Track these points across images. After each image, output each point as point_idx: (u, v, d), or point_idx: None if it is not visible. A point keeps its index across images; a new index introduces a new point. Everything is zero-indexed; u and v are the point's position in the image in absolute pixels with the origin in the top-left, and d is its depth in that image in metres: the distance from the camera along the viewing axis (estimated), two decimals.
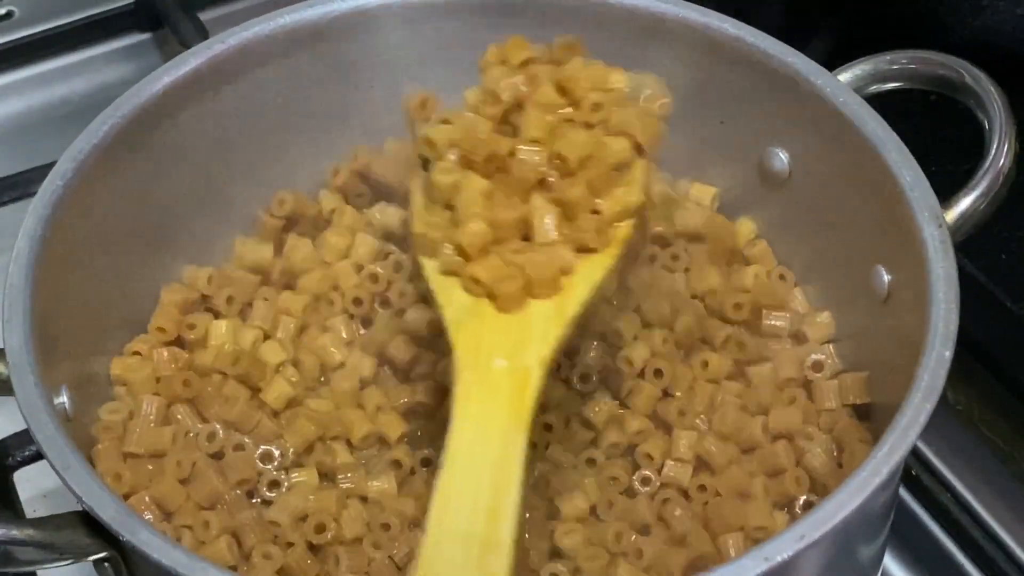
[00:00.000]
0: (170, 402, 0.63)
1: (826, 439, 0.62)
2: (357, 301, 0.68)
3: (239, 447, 0.62)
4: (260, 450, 0.62)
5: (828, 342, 0.65)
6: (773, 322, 0.66)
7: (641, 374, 0.64)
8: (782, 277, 0.68)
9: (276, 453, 0.62)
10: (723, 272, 0.67)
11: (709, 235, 0.68)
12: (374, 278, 0.68)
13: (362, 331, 0.68)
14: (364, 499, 0.61)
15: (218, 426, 0.62)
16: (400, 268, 0.68)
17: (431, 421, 0.63)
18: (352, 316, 0.68)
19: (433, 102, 0.61)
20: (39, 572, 0.63)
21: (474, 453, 0.50)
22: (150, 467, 0.61)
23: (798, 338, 0.66)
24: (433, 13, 0.69)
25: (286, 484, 0.61)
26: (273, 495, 0.61)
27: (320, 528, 0.59)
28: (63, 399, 0.58)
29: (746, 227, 0.69)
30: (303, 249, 0.69)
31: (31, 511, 0.70)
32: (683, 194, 0.70)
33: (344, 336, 0.67)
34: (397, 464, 0.62)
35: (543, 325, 0.54)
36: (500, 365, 0.52)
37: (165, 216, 0.67)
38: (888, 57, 0.65)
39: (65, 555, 0.53)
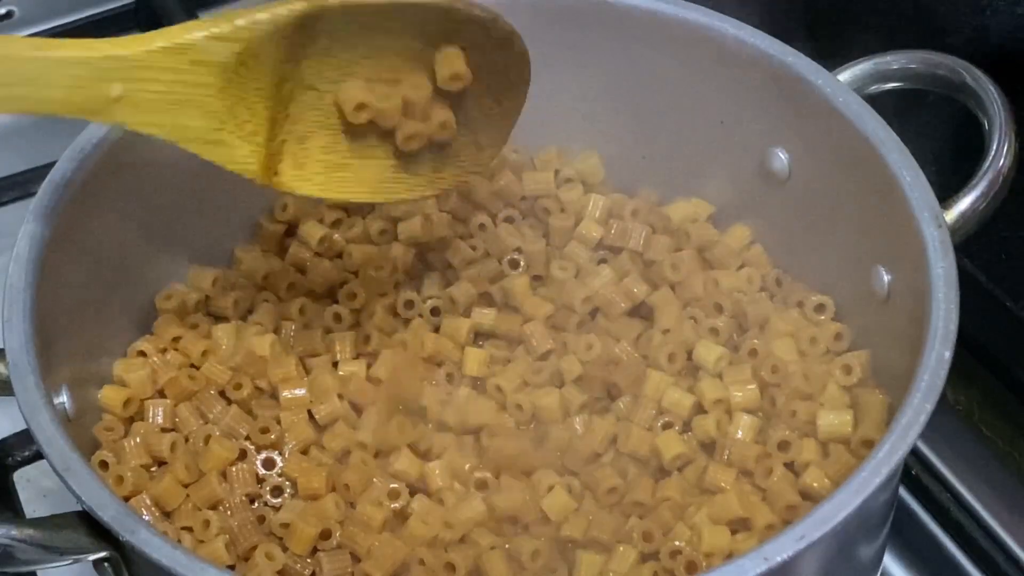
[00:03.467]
0: (176, 401, 0.64)
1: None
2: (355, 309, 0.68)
3: (243, 455, 0.62)
4: (262, 456, 0.62)
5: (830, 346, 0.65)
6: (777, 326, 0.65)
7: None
8: (778, 281, 0.68)
9: (278, 459, 0.62)
10: (713, 279, 0.67)
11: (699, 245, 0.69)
12: (378, 283, 0.68)
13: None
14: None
15: (217, 430, 0.63)
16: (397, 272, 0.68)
17: None
18: (358, 324, 0.68)
19: None
20: (39, 572, 0.63)
21: None
22: (152, 470, 0.61)
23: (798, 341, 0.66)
24: None
25: (288, 491, 0.61)
26: (278, 500, 0.61)
27: (326, 534, 0.59)
28: (63, 399, 0.58)
29: (740, 233, 0.69)
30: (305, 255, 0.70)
31: (31, 511, 0.70)
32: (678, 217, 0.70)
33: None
34: None
35: None
36: None
37: (165, 217, 0.67)
38: (888, 57, 0.65)
39: (65, 555, 0.53)
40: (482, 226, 0.70)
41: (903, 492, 0.70)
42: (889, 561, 0.68)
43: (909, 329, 0.56)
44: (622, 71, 0.69)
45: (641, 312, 0.67)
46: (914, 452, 0.69)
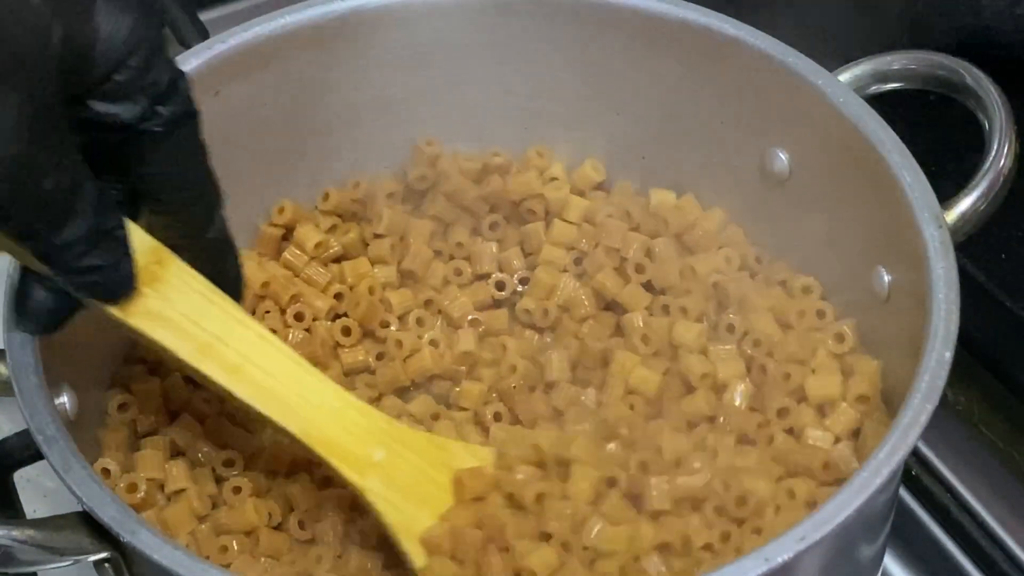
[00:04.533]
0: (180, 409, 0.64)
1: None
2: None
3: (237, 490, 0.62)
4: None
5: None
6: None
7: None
8: (758, 260, 0.68)
9: None
10: (690, 266, 0.67)
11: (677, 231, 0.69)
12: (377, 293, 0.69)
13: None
14: None
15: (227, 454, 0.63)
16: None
17: None
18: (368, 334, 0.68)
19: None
20: (39, 573, 0.63)
21: None
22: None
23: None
24: (433, 14, 0.69)
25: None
26: None
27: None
28: (64, 399, 0.58)
29: (718, 215, 0.69)
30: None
31: (31, 511, 0.70)
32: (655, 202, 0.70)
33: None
34: None
35: None
36: None
37: None
38: (888, 57, 0.65)
39: (65, 555, 0.53)
40: (459, 245, 0.71)
41: (903, 492, 0.70)
42: (889, 561, 0.68)
43: (909, 329, 0.56)
44: (621, 71, 0.69)
45: (615, 310, 0.68)
46: (914, 452, 0.69)
